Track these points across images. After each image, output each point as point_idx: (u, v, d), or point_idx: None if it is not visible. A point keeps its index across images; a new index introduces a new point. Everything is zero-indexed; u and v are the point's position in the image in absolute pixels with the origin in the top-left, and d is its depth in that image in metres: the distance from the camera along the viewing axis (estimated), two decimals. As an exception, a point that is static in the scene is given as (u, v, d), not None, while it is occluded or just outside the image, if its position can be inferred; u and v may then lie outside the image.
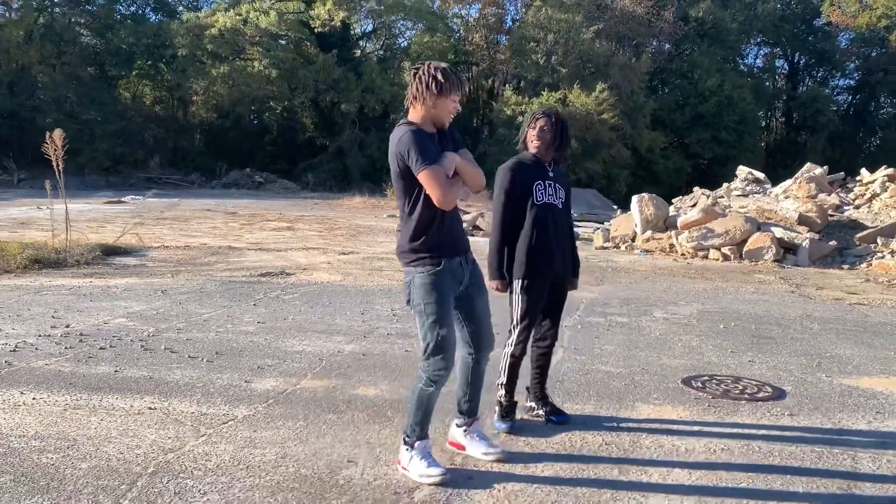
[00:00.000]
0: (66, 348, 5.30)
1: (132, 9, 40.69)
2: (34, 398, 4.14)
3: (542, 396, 4.10)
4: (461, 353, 3.48)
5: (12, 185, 32.31)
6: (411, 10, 38.60)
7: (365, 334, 6.00)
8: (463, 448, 3.53)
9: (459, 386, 3.54)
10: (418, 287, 3.23)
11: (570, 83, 35.67)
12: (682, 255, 13.43)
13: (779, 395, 4.60)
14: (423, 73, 3.19)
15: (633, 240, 15.23)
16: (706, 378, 4.91)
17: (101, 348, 5.32)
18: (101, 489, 2.99)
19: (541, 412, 4.06)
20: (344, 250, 12.20)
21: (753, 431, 3.94)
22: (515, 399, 4.01)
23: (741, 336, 6.40)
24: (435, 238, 3.22)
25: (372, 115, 37.27)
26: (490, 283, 3.80)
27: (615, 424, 3.98)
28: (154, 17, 40.48)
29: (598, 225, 19.06)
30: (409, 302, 3.29)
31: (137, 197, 25.61)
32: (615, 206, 24.42)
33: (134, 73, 39.11)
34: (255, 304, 7.21)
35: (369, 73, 35.86)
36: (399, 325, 6.42)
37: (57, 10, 39.24)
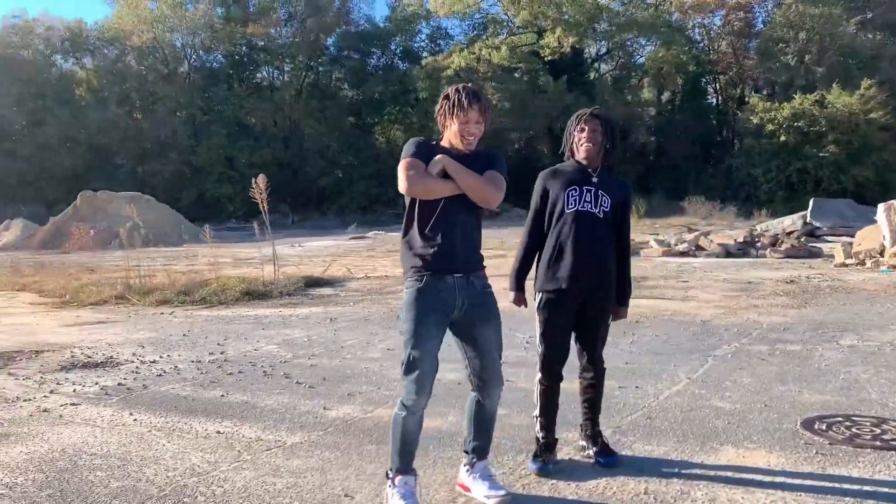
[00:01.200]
0: (201, 374, 5.78)
1: (382, 60, 44.28)
2: (135, 419, 4.56)
3: (592, 434, 3.62)
4: (470, 390, 3.23)
5: (286, 227, 36.50)
6: (645, 26, 37.45)
7: (479, 362, 5.79)
8: (469, 490, 3.22)
9: (466, 424, 3.28)
10: (404, 302, 3.07)
11: (827, 83, 32.10)
12: (942, 269, 11.28)
13: (927, 443, 3.60)
14: (441, 98, 3.10)
15: (882, 254, 13.12)
16: (839, 419, 4.00)
17: (229, 374, 5.73)
18: (108, 508, 3.19)
19: (591, 452, 3.58)
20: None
21: (856, 487, 3.11)
22: (557, 436, 3.60)
23: (938, 368, 5.16)
24: (422, 253, 3.03)
25: (606, 138, 36.64)
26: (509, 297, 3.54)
27: (675, 471, 3.38)
28: (402, 66, 43.67)
29: (851, 239, 16.74)
30: (399, 317, 3.13)
31: (379, 232, 27.57)
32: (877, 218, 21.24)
33: (385, 118, 42.47)
34: (401, 332, 7.31)
35: (601, 95, 35.34)
36: (523, 353, 6.11)
37: (321, 69, 43.98)
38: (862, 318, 7.37)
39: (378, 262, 16.12)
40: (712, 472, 3.35)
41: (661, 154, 41.70)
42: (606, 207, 3.51)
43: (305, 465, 3.63)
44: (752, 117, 33.06)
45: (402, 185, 3.00)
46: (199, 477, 3.52)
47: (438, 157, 3.00)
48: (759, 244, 16.40)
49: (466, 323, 3.08)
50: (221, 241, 25.62)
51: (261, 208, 11.30)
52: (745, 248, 16.23)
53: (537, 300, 3.57)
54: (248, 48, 42.33)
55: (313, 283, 11.63)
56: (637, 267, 13.21)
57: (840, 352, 5.82)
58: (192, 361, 6.26)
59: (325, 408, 4.68)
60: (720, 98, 44.28)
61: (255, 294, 10.64)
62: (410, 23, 43.06)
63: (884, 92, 30.70)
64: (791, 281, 10.56)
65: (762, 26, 39.81)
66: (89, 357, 6.60)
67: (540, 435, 3.56)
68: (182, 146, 38.82)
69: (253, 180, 11.07)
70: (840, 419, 4.01)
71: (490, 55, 36.15)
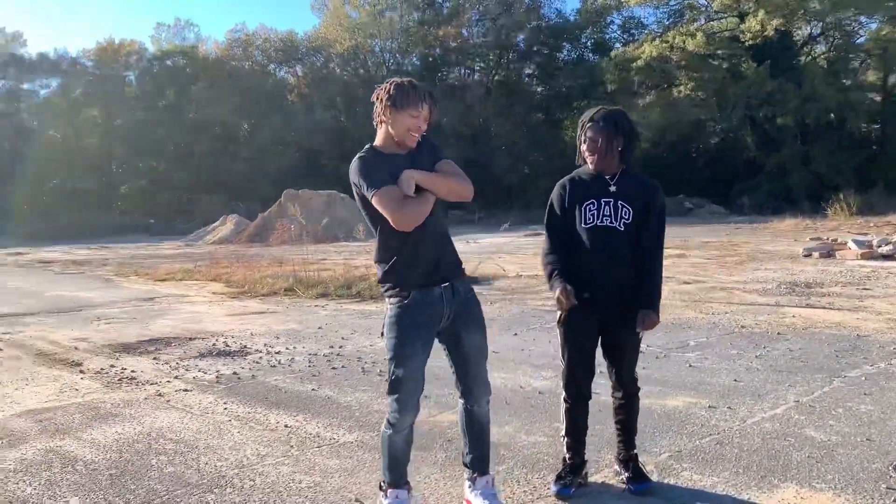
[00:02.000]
0: (309, 366, 6.08)
1: (572, 54, 43.70)
2: (225, 408, 4.89)
3: (625, 459, 3.33)
4: (459, 400, 3.14)
5: (473, 223, 37.28)
6: (865, 3, 33.60)
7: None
8: None
9: (461, 435, 3.17)
10: (386, 319, 3.01)
11: None
12: None
13: None
14: (381, 91, 2.97)
15: None
16: (948, 464, 3.36)
17: (332, 368, 5.98)
18: (146, 492, 3.45)
19: (623, 477, 3.30)
20: (697, 278, 11.26)
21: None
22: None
23: None
24: (403, 268, 2.96)
25: (816, 126, 33.40)
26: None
27: (710, 507, 3.03)
28: (592, 59, 42.79)
29: None
30: (382, 334, 3.06)
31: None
32: None
33: (573, 113, 41.89)
34: (515, 335, 7.22)
35: (810, 81, 32.25)
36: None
37: (511, 66, 44.31)
38: None
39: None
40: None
41: (886, 143, 37.30)
42: (628, 219, 3.21)
43: (340, 466, 3.70)
44: None
45: (397, 225, 2.84)
46: (240, 469, 3.71)
47: (406, 174, 2.87)
48: (985, 247, 14.18)
49: (452, 331, 3.00)
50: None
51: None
52: (967, 251, 14.10)
53: (557, 314, 3.35)
54: (441, 49, 43.67)
55: (463, 280, 11.75)
56: (820, 271, 11.97)
57: None
58: (310, 354, 6.60)
59: (395, 409, 4.73)
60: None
61: (404, 290, 10.98)
62: (601, 14, 42.07)
63: None
64: None
65: None
66: (227, 346, 7.18)
67: (566, 455, 3.35)
68: (379, 147, 40.86)
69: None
70: (950, 464, 3.37)
71: (685, 42, 34.37)
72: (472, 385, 3.07)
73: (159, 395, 5.32)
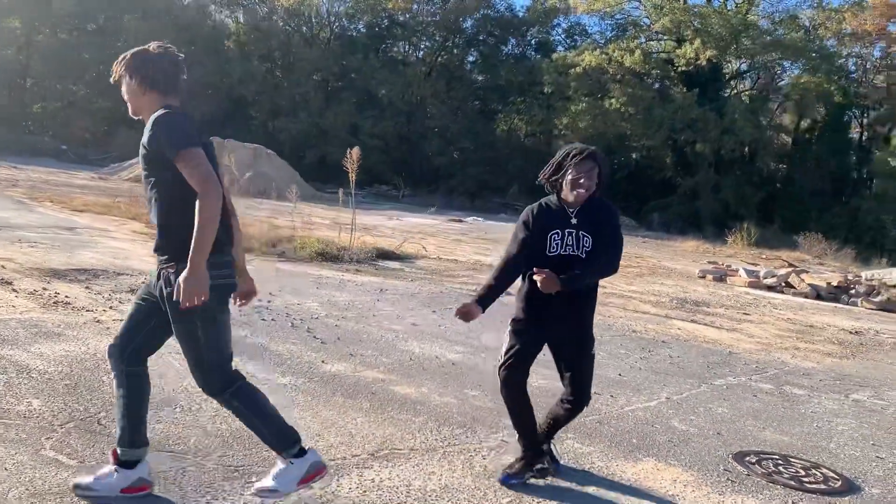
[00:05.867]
0: (240, 315, 6.38)
1: (516, 49, 44.54)
2: (164, 341, 5.28)
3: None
4: None
5: (396, 199, 37.65)
6: (790, 49, 35.83)
7: (481, 351, 6.19)
8: None
9: None
10: None
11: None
12: None
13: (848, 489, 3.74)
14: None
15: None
16: (775, 457, 4.16)
17: (263, 319, 6.42)
18: (102, 401, 3.86)
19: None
20: (602, 284, 12.12)
21: (736, 516, 3.34)
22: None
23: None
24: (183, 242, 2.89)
25: (730, 158, 35.47)
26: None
27: (567, 463, 3.71)
28: (534, 57, 43.73)
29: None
30: None
31: (477, 219, 28.07)
32: None
33: (509, 107, 42.79)
34: (434, 312, 7.82)
35: (731, 114, 34.16)
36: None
37: (455, 50, 44.77)
38: (897, 378, 7.22)
39: (461, 246, 16.66)
40: (599, 474, 3.65)
41: (788, 184, 39.95)
42: (589, 247, 3.51)
43: (275, 402, 4.18)
44: (890, 159, 31.19)
45: (205, 189, 2.76)
46: (186, 393, 4.15)
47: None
48: (853, 291, 15.76)
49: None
50: (329, 204, 27.01)
51: (350, 178, 12.02)
52: (836, 293, 15.65)
53: (510, 324, 3.65)
54: (389, 21, 43.66)
55: (385, 255, 12.27)
56: (710, 292, 13.10)
57: (839, 403, 5.82)
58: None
59: (323, 361, 5.25)
60: (865, 134, 41.80)
61: (327, 256, 11.40)
62: (549, 15, 43.03)
63: None
64: (856, 332, 10.25)
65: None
66: (158, 285, 7.46)
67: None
68: (312, 108, 40.61)
69: (348, 151, 11.74)
70: (776, 458, 4.18)
71: (622, 58, 35.70)
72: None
73: (98, 321, 5.64)
